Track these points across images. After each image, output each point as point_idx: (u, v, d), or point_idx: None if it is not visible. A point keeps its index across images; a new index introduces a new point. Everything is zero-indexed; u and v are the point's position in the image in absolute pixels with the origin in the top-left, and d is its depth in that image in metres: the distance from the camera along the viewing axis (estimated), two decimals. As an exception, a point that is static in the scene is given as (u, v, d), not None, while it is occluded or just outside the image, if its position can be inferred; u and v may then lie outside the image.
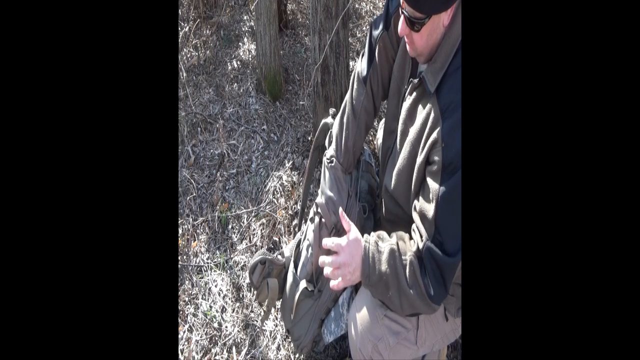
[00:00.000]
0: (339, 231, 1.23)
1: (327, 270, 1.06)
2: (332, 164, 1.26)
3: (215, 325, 1.64)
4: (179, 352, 1.58)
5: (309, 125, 2.17)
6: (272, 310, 1.65)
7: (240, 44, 2.63)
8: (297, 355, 1.55)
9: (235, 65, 2.51)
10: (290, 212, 1.89)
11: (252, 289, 1.72)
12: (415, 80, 1.04)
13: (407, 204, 1.08)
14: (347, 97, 1.28)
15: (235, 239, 1.87)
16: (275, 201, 1.92)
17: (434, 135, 0.94)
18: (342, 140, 1.26)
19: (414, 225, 1.01)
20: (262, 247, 1.83)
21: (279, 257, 1.38)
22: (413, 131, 1.02)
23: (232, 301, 1.70)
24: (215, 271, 1.79)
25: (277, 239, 1.84)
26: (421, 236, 0.97)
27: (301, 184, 1.95)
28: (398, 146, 1.09)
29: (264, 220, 1.88)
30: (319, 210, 1.24)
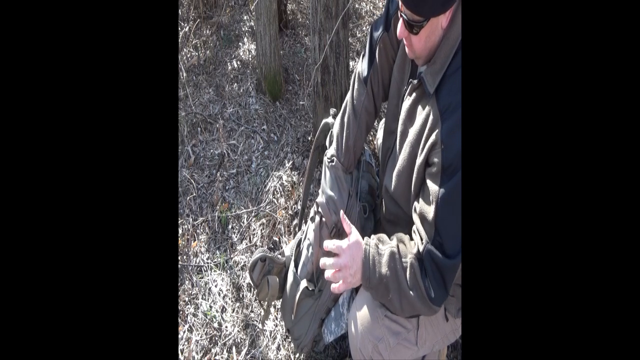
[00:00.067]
0: (340, 230, 1.23)
1: (328, 273, 1.06)
2: (333, 164, 1.26)
3: (215, 325, 1.64)
4: (179, 352, 1.58)
5: (309, 125, 2.17)
6: (272, 310, 1.65)
7: (240, 44, 2.63)
8: (297, 355, 1.55)
9: (235, 65, 2.51)
10: (290, 212, 1.89)
11: (252, 287, 1.72)
12: (415, 81, 1.04)
13: (407, 205, 1.09)
14: (348, 97, 1.28)
15: (235, 239, 1.87)
16: (275, 201, 1.92)
17: (433, 136, 0.94)
18: (342, 139, 1.26)
19: (414, 227, 1.01)
20: (262, 247, 1.83)
21: (279, 256, 1.39)
22: (412, 132, 1.02)
23: (232, 301, 1.70)
24: (215, 271, 1.79)
25: (277, 239, 1.84)
26: (421, 238, 0.97)
27: (301, 184, 1.95)
28: (398, 147, 1.10)
29: (264, 220, 1.88)
30: (320, 209, 1.24)
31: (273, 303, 1.63)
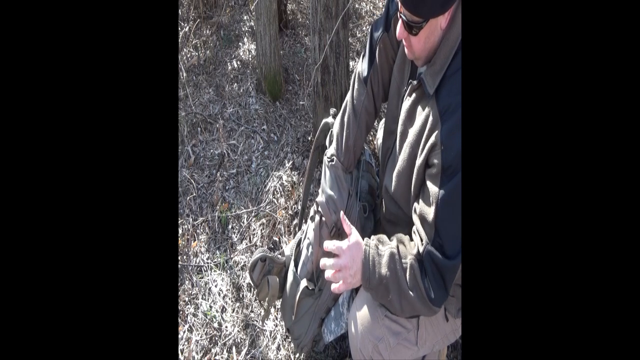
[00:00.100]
0: (339, 230, 1.23)
1: (328, 273, 1.07)
2: (333, 163, 1.26)
3: (215, 325, 1.64)
4: (179, 352, 1.58)
5: (309, 125, 2.17)
6: (272, 310, 1.65)
7: (240, 44, 2.63)
8: (297, 355, 1.55)
9: (235, 65, 2.51)
10: (290, 212, 1.89)
11: (253, 287, 1.72)
12: (415, 82, 1.04)
13: (407, 205, 1.09)
14: (348, 96, 1.28)
15: (235, 239, 1.87)
16: (275, 201, 1.92)
17: (433, 137, 0.94)
18: (342, 139, 1.26)
19: (414, 228, 1.01)
20: (262, 247, 1.83)
21: (279, 256, 1.39)
22: (412, 133, 1.02)
23: (232, 301, 1.70)
24: (215, 271, 1.79)
25: (277, 239, 1.84)
26: (421, 239, 0.97)
27: (301, 184, 1.95)
28: (397, 147, 1.10)
29: (264, 220, 1.88)
30: (320, 209, 1.25)
31: (273, 303, 1.63)
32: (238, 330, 1.62)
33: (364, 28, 2.63)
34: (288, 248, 1.40)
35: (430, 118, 0.97)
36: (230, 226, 1.91)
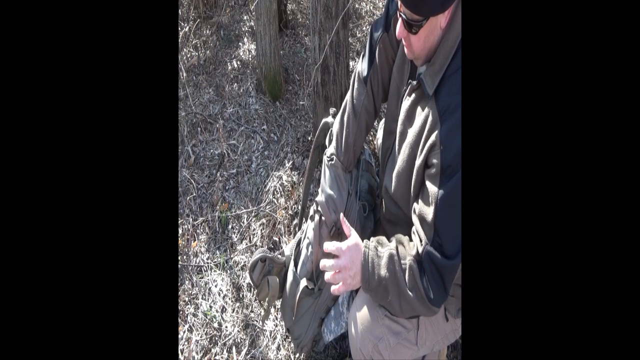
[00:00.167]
0: (339, 229, 1.23)
1: (327, 275, 1.07)
2: (333, 162, 1.26)
3: (215, 325, 1.64)
4: (179, 352, 1.58)
5: (309, 125, 2.17)
6: (272, 310, 1.65)
7: (240, 44, 2.63)
8: (297, 355, 1.55)
9: (235, 65, 2.51)
10: (290, 212, 1.89)
11: (253, 288, 1.72)
12: (414, 82, 1.04)
13: (406, 206, 1.09)
14: (348, 96, 1.28)
15: (235, 239, 1.87)
16: (275, 201, 1.92)
17: (432, 138, 0.94)
18: (342, 138, 1.26)
19: (413, 228, 1.01)
20: (262, 247, 1.83)
21: (279, 256, 1.39)
22: (412, 133, 1.02)
23: (232, 301, 1.70)
24: (215, 271, 1.79)
25: (277, 239, 1.84)
26: (420, 240, 0.97)
27: (301, 183, 1.95)
28: (397, 148, 1.10)
29: (264, 220, 1.88)
30: (319, 208, 1.25)
31: (273, 303, 1.63)
32: (238, 330, 1.62)
33: (364, 28, 2.63)
34: (288, 248, 1.40)
35: (430, 118, 0.97)
36: (230, 226, 1.91)
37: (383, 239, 1.06)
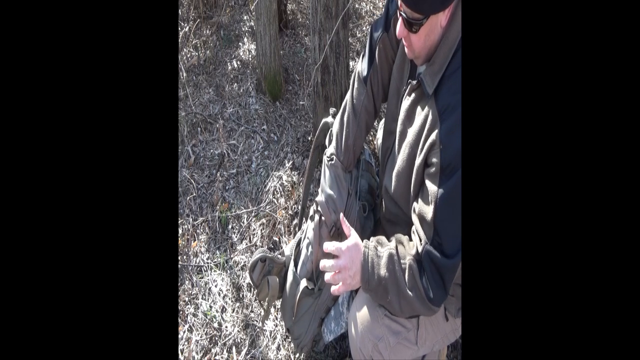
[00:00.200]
0: (339, 229, 1.23)
1: (327, 275, 1.07)
2: (332, 162, 1.26)
3: (215, 325, 1.64)
4: (179, 352, 1.58)
5: (309, 125, 2.17)
6: (272, 310, 1.65)
7: (240, 44, 2.63)
8: (297, 355, 1.55)
9: (235, 65, 2.51)
10: (290, 212, 1.89)
11: (253, 287, 1.72)
12: (414, 82, 1.04)
13: (406, 205, 1.09)
14: (348, 96, 1.28)
15: (235, 239, 1.87)
16: (275, 201, 1.92)
17: (432, 137, 0.94)
18: (342, 138, 1.26)
19: (413, 228, 1.01)
20: (262, 247, 1.83)
21: (279, 256, 1.38)
22: (411, 133, 1.02)
23: (232, 301, 1.70)
24: (215, 271, 1.79)
25: (277, 239, 1.84)
26: (420, 239, 0.97)
27: (301, 183, 1.95)
28: (397, 147, 1.10)
29: (264, 220, 1.88)
30: (319, 208, 1.25)
31: (273, 303, 1.63)
32: (238, 330, 1.62)
33: (364, 28, 2.63)
34: (288, 248, 1.40)
35: (430, 117, 0.96)
36: (230, 226, 1.90)
37: (383, 238, 1.06)
